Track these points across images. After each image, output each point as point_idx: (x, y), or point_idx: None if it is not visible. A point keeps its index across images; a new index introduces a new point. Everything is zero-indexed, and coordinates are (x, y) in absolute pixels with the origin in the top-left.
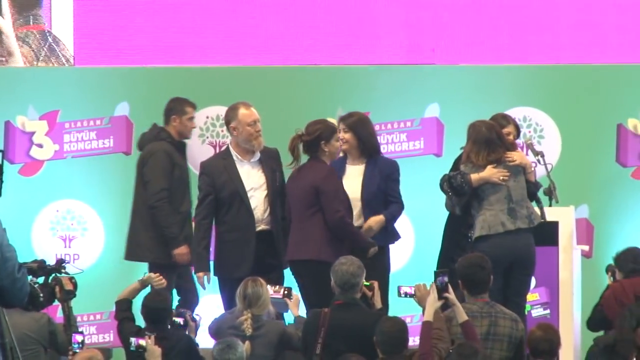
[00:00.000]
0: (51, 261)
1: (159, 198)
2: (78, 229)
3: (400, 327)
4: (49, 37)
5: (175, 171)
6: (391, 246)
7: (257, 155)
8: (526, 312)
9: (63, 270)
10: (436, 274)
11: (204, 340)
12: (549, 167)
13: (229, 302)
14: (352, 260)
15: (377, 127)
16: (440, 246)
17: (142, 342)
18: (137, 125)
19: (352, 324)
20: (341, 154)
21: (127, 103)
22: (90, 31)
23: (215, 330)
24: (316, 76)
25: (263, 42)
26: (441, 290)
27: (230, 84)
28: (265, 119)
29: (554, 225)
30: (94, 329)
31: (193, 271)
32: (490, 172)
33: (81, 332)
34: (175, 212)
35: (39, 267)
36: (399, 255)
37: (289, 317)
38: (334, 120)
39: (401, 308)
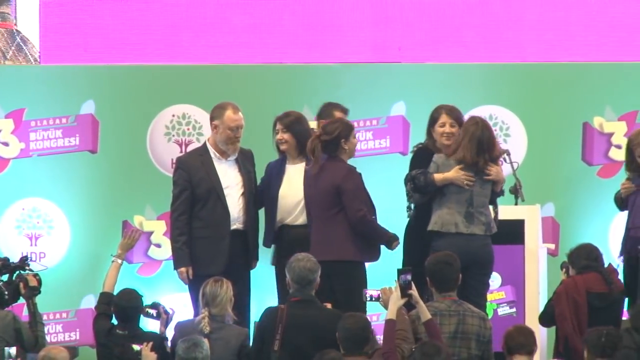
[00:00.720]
0: (16, 259)
1: None
2: (44, 227)
3: (362, 324)
4: (17, 36)
5: None
6: None
7: (235, 154)
8: (492, 311)
9: (27, 268)
10: (399, 272)
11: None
12: (515, 165)
13: (197, 300)
14: (308, 257)
15: None
16: (403, 245)
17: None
18: (102, 124)
19: (310, 320)
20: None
21: (93, 101)
22: (56, 29)
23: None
24: (282, 75)
25: (229, 41)
26: (404, 288)
27: (196, 83)
28: None
29: (520, 223)
30: (60, 327)
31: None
32: (456, 174)
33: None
34: None
35: (3, 265)
36: None
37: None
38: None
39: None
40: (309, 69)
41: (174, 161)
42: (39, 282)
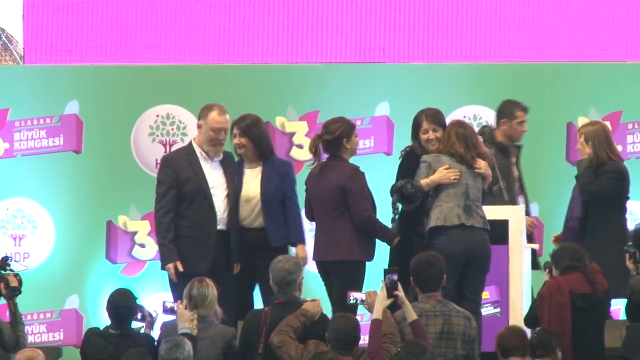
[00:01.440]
0: None
1: None
2: (28, 227)
3: (352, 325)
4: (2, 35)
5: None
6: None
7: (220, 155)
8: None
9: (8, 268)
10: (386, 272)
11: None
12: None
13: (180, 298)
14: (289, 258)
15: None
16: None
17: (170, 304)
18: (87, 124)
19: None
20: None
21: (77, 101)
22: (40, 29)
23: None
24: (265, 75)
25: (213, 41)
26: (391, 288)
27: (180, 83)
28: None
29: (504, 223)
30: (44, 327)
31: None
32: (440, 175)
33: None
34: None
35: None
36: None
37: None
38: (283, 119)
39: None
40: (293, 69)
41: (159, 160)
42: (20, 282)
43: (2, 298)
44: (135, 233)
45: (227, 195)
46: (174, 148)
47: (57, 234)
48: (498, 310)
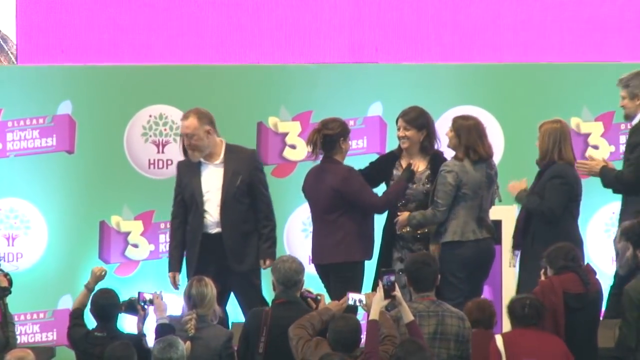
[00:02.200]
0: None
1: None
2: (21, 227)
3: (353, 327)
4: None
5: None
6: None
7: (220, 157)
8: None
9: None
10: (382, 273)
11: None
12: None
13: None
14: (293, 258)
15: None
16: (380, 245)
17: (148, 296)
18: (79, 124)
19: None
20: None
21: (70, 102)
22: (33, 30)
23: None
24: (258, 75)
25: (205, 41)
26: (388, 289)
27: (173, 83)
28: None
29: (497, 224)
30: (37, 327)
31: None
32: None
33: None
34: None
35: None
36: None
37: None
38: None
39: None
40: (285, 69)
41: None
42: (10, 282)
43: None
44: (128, 233)
45: (221, 198)
46: (167, 148)
47: (50, 234)
48: None
